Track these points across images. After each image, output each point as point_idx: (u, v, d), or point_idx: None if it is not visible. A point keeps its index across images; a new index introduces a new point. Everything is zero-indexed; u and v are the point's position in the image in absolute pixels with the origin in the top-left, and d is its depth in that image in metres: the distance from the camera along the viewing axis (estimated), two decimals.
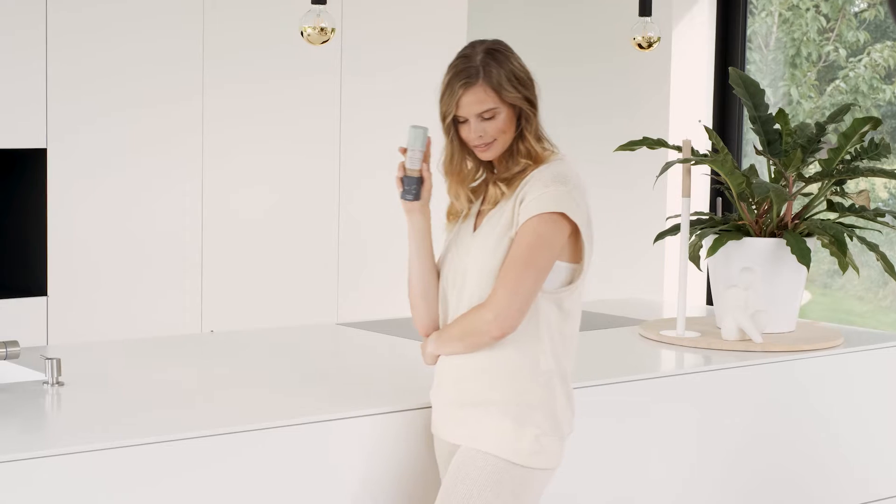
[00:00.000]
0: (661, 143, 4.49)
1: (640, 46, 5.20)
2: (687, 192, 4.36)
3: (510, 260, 3.12)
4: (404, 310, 6.38)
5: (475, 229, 3.26)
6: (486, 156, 3.22)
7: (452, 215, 3.34)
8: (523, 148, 3.22)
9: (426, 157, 3.26)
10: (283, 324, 6.02)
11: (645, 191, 6.65)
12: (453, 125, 3.21)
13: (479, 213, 3.28)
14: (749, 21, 6.87)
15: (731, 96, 6.70)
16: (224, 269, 6.10)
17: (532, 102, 3.22)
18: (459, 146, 3.24)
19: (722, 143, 4.48)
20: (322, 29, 4.63)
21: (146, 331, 5.81)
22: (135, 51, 5.76)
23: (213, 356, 4.15)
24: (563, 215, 3.13)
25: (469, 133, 3.20)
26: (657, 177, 4.58)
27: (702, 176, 6.26)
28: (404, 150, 3.25)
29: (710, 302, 6.42)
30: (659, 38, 5.21)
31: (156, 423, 3.13)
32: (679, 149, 4.43)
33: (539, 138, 3.25)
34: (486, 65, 3.17)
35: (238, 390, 3.55)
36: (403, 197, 3.26)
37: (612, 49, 6.97)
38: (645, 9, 5.18)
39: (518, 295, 3.11)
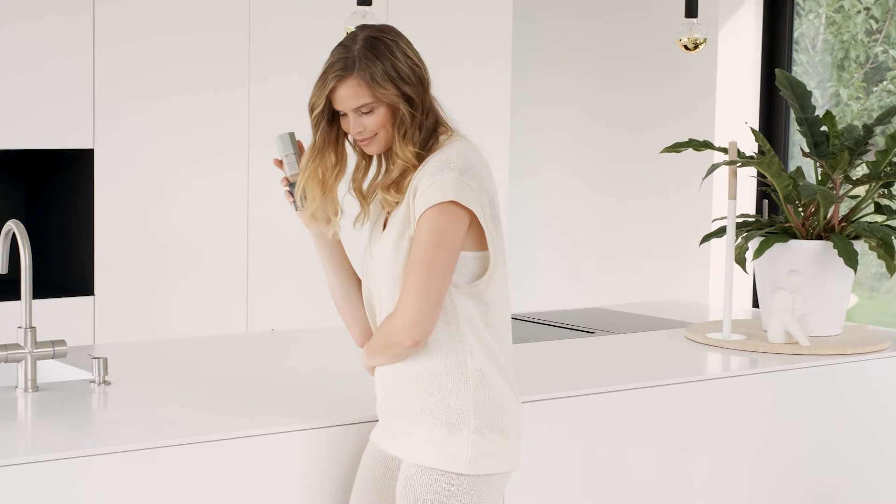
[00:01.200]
0: (707, 145, 4.48)
1: (686, 48, 5.18)
2: (733, 195, 4.34)
3: (411, 262, 2.92)
4: None
5: (384, 230, 3.07)
6: (370, 150, 3.03)
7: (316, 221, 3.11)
8: (399, 151, 2.99)
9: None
10: (331, 324, 6.02)
11: (691, 193, 6.63)
12: (322, 118, 3.01)
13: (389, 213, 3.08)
14: (796, 23, 6.83)
15: (778, 98, 6.67)
16: (270, 268, 6.11)
17: (411, 100, 2.99)
18: (324, 141, 3.03)
19: (768, 145, 4.46)
20: None
21: (193, 330, 5.83)
22: (182, 53, 5.79)
23: (259, 356, 4.17)
24: (456, 203, 2.91)
25: (349, 126, 3.01)
26: (703, 179, 4.57)
27: (748, 178, 6.24)
28: (279, 162, 3.11)
29: (756, 304, 6.39)
30: (705, 40, 5.18)
31: (201, 424, 3.15)
32: (725, 150, 4.41)
33: (433, 130, 3.03)
34: (363, 56, 2.95)
35: (281, 392, 3.55)
36: (298, 206, 3.09)
37: (657, 51, 6.95)
38: (691, 10, 5.15)
39: (425, 298, 2.90)
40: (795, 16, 6.84)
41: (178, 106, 5.81)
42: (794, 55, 6.85)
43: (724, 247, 6.23)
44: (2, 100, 5.40)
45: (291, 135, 3.11)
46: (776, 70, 4.64)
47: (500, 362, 3.04)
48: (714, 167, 4.38)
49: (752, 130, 4.56)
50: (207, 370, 3.88)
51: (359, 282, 3.17)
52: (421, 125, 3.00)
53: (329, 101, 3.00)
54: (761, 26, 6.82)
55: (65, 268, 5.84)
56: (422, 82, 3.01)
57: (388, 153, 3.05)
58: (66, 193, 5.82)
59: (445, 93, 6.64)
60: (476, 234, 2.97)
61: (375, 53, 2.96)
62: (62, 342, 3.50)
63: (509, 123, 6.81)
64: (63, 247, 5.85)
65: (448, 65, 6.52)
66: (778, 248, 4.36)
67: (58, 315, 5.50)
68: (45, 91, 5.49)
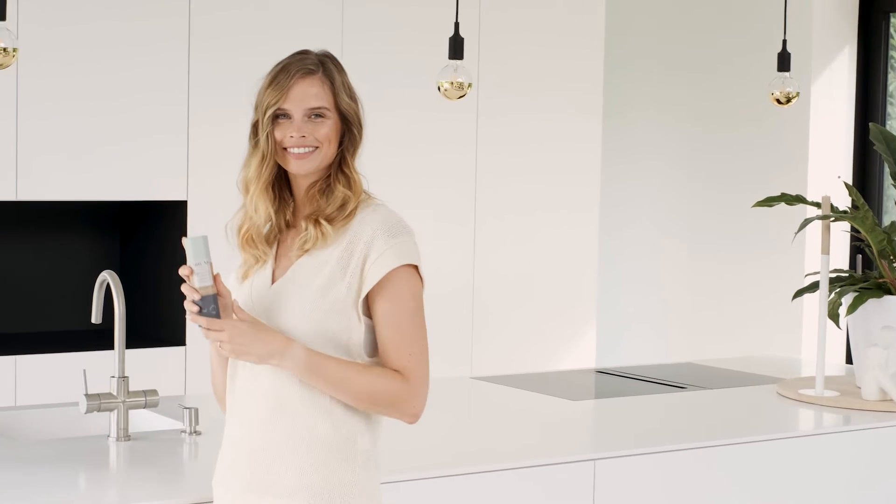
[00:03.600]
0: (799, 200, 4.44)
1: (779, 102, 5.15)
2: (826, 249, 4.30)
3: (405, 330, 2.69)
4: (537, 364, 6.38)
5: (274, 282, 2.76)
6: (299, 165, 2.72)
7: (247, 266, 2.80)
8: (342, 176, 2.75)
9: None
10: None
11: (783, 247, 6.57)
12: (270, 123, 2.75)
13: (275, 260, 2.79)
14: (890, 76, 6.78)
15: (872, 152, 6.60)
16: None
17: (361, 124, 2.78)
18: (270, 149, 2.75)
19: (862, 200, 4.42)
20: (459, 84, 4.64)
21: None
22: None
23: None
24: (416, 268, 2.74)
25: (291, 130, 2.72)
26: (796, 233, 4.53)
27: (841, 233, 6.17)
28: (190, 271, 2.66)
29: (849, 361, 6.31)
30: (798, 94, 5.16)
31: None
32: (818, 205, 4.37)
33: (356, 171, 2.79)
34: (325, 63, 2.76)
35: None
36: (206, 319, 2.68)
37: (749, 104, 6.92)
38: (784, 64, 5.13)
39: (427, 367, 2.71)
40: (889, 69, 6.78)
41: None
42: (889, 108, 6.79)
43: (817, 302, 6.17)
44: (99, 153, 5.47)
45: (204, 238, 2.69)
46: (870, 124, 4.60)
47: (377, 449, 2.77)
48: (807, 222, 4.35)
49: (846, 185, 4.52)
50: None
51: None
52: (356, 160, 2.80)
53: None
54: (855, 80, 6.77)
55: (157, 318, 5.90)
56: (363, 116, 2.82)
57: (306, 199, 2.78)
58: (159, 244, 5.89)
59: (535, 142, 6.67)
60: None
61: (336, 66, 2.78)
62: (154, 392, 3.53)
63: (599, 176, 6.80)
64: (155, 296, 5.91)
65: (538, 116, 6.53)
66: (872, 304, 4.31)
67: (150, 365, 5.55)
68: (141, 144, 5.56)
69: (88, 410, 3.44)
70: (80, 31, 5.42)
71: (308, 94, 2.72)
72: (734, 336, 7.04)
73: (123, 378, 3.49)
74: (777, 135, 6.83)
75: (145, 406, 3.52)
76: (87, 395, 3.44)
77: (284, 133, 2.73)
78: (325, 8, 5.93)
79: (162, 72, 5.60)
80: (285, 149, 2.75)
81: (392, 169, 6.11)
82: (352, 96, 2.77)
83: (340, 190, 2.74)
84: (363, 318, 2.70)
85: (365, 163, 2.76)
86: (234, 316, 2.69)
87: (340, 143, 2.76)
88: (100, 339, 5.46)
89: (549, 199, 6.59)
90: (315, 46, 2.86)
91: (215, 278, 2.68)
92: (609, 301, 7.55)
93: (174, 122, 5.63)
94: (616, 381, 4.82)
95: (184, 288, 2.68)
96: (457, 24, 4.63)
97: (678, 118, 7.37)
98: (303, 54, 2.77)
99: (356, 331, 2.69)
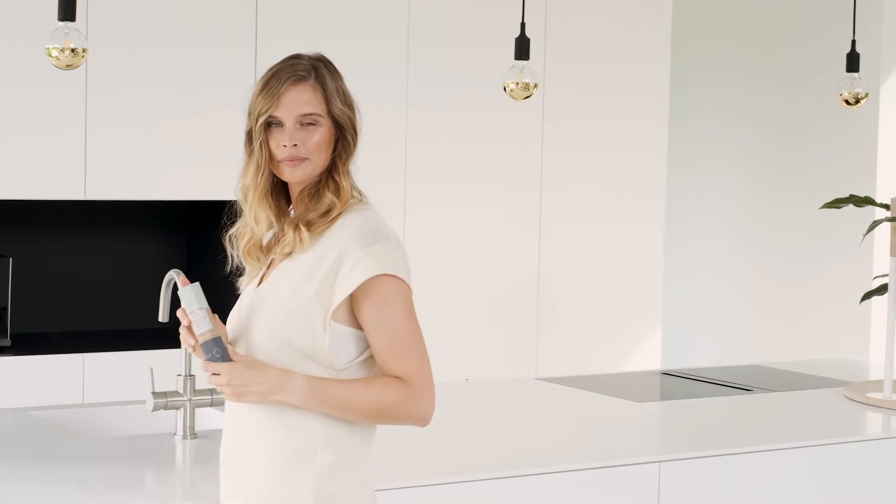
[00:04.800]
0: (868, 201, 4.41)
1: (847, 103, 5.11)
2: (895, 251, 4.26)
3: (395, 336, 2.61)
4: (602, 367, 6.37)
5: (260, 283, 2.77)
6: (293, 174, 2.69)
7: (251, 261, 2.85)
8: (332, 182, 2.70)
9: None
10: (482, 376, 6.03)
11: (851, 249, 6.52)
12: (264, 131, 2.70)
13: (269, 266, 2.80)
14: None
15: None
16: (426, 321, 6.12)
17: (356, 130, 2.73)
18: (264, 157, 2.72)
19: None
20: (525, 84, 4.64)
21: None
22: None
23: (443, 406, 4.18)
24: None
25: (283, 139, 2.67)
26: (864, 235, 4.50)
27: None
28: (189, 324, 2.69)
29: None
30: (867, 94, 5.12)
31: None
32: (887, 207, 4.34)
33: (348, 177, 2.74)
34: (317, 68, 2.70)
35: (437, 443, 3.56)
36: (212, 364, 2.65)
37: (817, 112, 6.87)
38: (853, 65, 5.10)
39: (429, 369, 2.63)
40: None
41: None
42: None
43: (885, 304, 6.12)
44: (166, 152, 5.51)
45: (195, 285, 2.73)
46: None
47: (360, 469, 2.66)
48: (875, 223, 4.31)
49: None
50: None
51: None
52: (348, 165, 2.75)
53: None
54: None
55: (222, 316, 5.92)
56: (359, 120, 2.77)
57: (294, 202, 2.77)
58: (217, 243, 5.90)
59: (601, 148, 6.64)
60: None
61: (329, 70, 2.73)
62: None
63: (665, 185, 6.75)
64: (216, 295, 5.93)
65: (604, 122, 6.50)
66: None
67: None
68: (206, 145, 5.59)
69: (155, 408, 3.46)
70: (151, 27, 5.46)
71: (300, 100, 2.67)
72: (801, 340, 7.00)
73: (190, 376, 3.51)
74: (845, 140, 6.78)
75: (211, 404, 3.54)
76: (153, 394, 3.47)
77: (277, 142, 2.69)
78: None
79: (229, 61, 5.63)
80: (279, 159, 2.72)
81: (456, 167, 6.11)
82: (346, 102, 2.72)
83: (328, 196, 2.70)
84: (333, 326, 2.61)
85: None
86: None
87: (335, 149, 2.72)
88: (166, 337, 5.49)
89: (615, 204, 6.55)
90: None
91: (213, 319, 2.67)
92: (675, 309, 7.52)
93: (237, 127, 5.65)
94: (681, 383, 4.80)
95: (182, 331, 2.69)
96: (523, 25, 4.63)
97: (744, 127, 7.33)
98: (294, 59, 2.72)
99: (319, 340, 2.61)
